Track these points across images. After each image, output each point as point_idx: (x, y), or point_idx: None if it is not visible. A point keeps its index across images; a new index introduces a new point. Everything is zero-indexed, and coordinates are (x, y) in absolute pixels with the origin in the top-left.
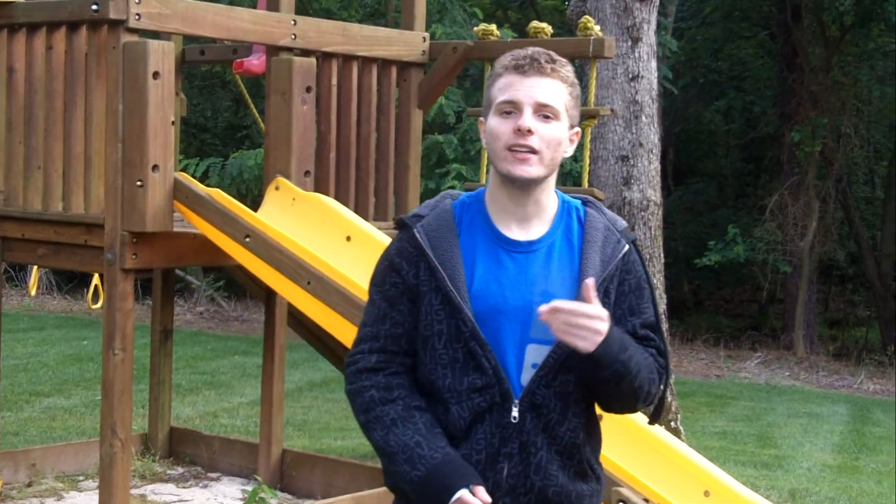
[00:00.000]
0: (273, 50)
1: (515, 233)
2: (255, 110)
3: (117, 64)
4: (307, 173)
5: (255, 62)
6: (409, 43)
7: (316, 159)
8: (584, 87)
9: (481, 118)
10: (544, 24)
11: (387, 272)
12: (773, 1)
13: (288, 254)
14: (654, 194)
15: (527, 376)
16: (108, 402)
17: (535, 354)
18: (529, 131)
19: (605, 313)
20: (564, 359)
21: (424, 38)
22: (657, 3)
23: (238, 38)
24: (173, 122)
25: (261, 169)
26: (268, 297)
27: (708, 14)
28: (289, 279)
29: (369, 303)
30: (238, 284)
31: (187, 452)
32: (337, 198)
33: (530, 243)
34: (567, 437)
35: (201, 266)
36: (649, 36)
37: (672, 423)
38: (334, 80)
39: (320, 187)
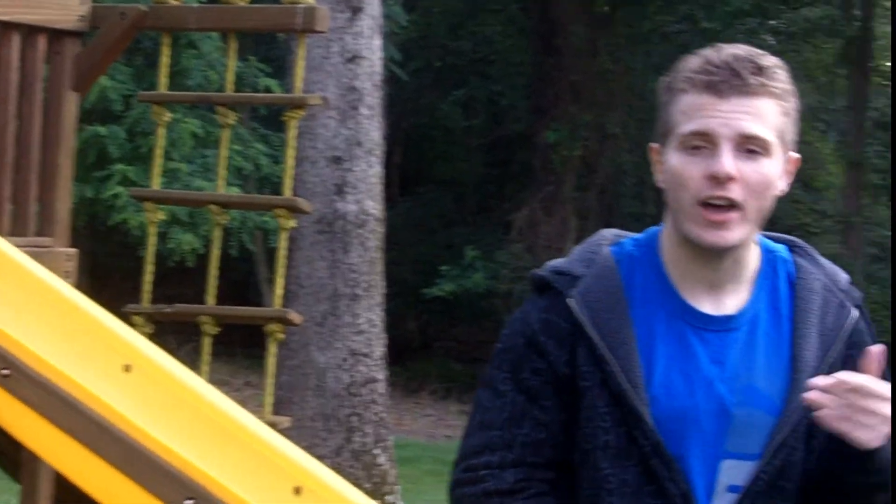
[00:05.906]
0: None
1: (705, 304)
2: None
3: None
4: None
5: None
6: (63, 5)
7: None
8: (290, 68)
9: (653, 144)
10: None
11: (524, 354)
12: None
13: None
14: (375, 206)
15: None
16: None
17: (733, 473)
18: (730, 178)
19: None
20: (776, 478)
21: (83, 0)
22: None
23: None
24: None
25: None
26: None
27: None
28: None
29: (493, 395)
30: None
31: None
32: None
33: (728, 319)
34: None
35: None
36: (373, 6)
37: (388, 498)
38: None
39: None
